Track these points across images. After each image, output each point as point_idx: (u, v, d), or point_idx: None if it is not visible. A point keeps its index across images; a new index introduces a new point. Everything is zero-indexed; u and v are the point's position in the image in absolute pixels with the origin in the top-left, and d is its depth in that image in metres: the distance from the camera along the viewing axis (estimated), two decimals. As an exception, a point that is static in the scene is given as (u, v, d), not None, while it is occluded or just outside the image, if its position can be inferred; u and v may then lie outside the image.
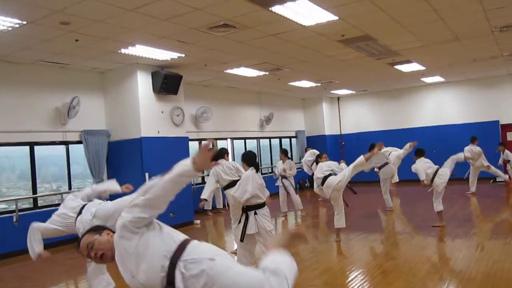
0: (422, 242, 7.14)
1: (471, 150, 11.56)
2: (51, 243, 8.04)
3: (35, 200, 8.75)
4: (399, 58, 10.71)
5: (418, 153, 8.24)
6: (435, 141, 15.32)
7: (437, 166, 7.92)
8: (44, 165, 9.48)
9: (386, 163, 10.45)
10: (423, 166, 7.91)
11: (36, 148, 8.80)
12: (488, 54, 10.98)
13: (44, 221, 4.88)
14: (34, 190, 8.72)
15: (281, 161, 10.82)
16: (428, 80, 14.97)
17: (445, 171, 7.87)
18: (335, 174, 7.19)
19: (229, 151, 13.86)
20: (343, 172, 7.11)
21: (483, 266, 5.54)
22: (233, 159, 13.13)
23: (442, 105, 15.96)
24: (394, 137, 14.48)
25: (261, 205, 5.41)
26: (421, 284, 5.07)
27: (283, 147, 16.54)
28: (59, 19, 6.19)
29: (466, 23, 7.98)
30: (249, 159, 5.64)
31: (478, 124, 14.97)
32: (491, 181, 13.82)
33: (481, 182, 12.74)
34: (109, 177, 9.99)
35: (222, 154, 7.52)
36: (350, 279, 5.55)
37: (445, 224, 7.91)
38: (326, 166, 7.31)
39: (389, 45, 9.26)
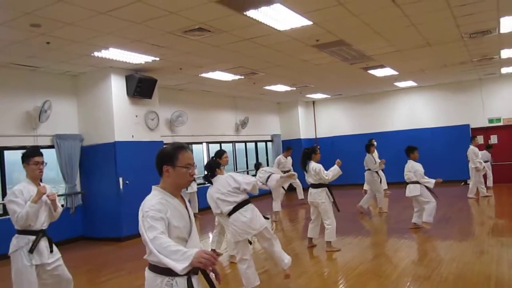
0: (396, 244, 7.25)
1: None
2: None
3: (4, 206, 8.51)
4: (373, 63, 10.87)
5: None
6: (408, 145, 15.54)
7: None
8: (14, 170, 9.24)
9: (368, 169, 10.60)
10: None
11: (6, 152, 8.59)
12: (459, 59, 11.24)
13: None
14: (4, 196, 8.49)
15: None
16: (401, 84, 15.23)
17: None
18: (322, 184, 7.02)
19: (204, 156, 13.85)
20: (328, 212, 6.96)
21: (454, 267, 5.65)
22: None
23: (415, 109, 16.27)
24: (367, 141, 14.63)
25: (229, 214, 5.19)
26: (394, 285, 5.15)
27: (259, 151, 16.63)
28: (29, 21, 6.06)
29: (437, 29, 8.16)
30: (207, 171, 5.43)
31: (449, 128, 15.33)
32: (462, 183, 14.13)
33: (453, 185, 13.04)
34: (82, 182, 9.84)
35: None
36: (325, 282, 5.58)
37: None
38: (315, 172, 6.93)
39: (362, 50, 9.39)
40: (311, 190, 7.13)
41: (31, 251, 4.07)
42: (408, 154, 8.18)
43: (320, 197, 6.99)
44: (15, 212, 4.06)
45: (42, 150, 4.36)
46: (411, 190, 7.97)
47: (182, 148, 2.64)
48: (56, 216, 4.43)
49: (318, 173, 6.88)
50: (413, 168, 7.95)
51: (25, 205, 4.07)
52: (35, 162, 4.22)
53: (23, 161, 4.26)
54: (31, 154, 4.25)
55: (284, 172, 12.56)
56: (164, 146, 2.68)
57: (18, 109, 8.74)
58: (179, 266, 2.25)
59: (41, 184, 4.31)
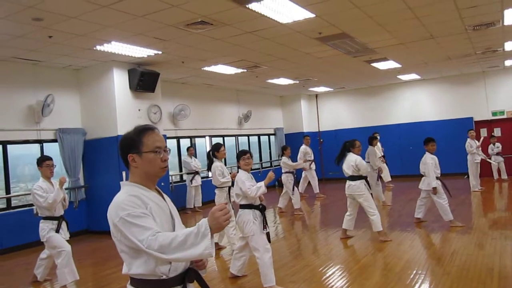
0: (399, 237, 7.24)
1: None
2: (26, 244, 7.90)
3: (8, 200, 8.55)
4: (376, 55, 10.82)
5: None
6: (411, 138, 15.57)
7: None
8: (18, 164, 9.28)
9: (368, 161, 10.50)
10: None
11: (9, 147, 8.61)
12: (462, 52, 11.18)
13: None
14: (8, 190, 8.52)
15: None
16: (404, 77, 15.18)
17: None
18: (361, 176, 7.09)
19: (207, 149, 13.84)
20: (370, 203, 7.01)
21: (458, 260, 5.66)
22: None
23: (418, 102, 16.21)
24: (371, 134, 14.61)
25: None
26: (397, 278, 5.14)
27: (261, 144, 16.63)
28: (32, 15, 6.05)
29: (441, 22, 8.11)
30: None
31: (452, 121, 15.28)
32: (465, 176, 14.09)
33: (456, 177, 13.02)
34: (85, 176, 9.87)
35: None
36: (328, 275, 5.59)
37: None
38: (355, 164, 7.06)
39: (365, 43, 9.34)
40: (349, 182, 7.17)
41: (57, 231, 5.59)
42: (424, 146, 7.98)
43: (359, 189, 7.04)
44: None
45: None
46: (426, 184, 7.77)
47: (147, 129, 2.16)
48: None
49: (357, 165, 6.99)
50: (424, 161, 7.78)
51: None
52: (47, 164, 5.54)
53: (38, 164, 5.60)
54: (44, 159, 5.62)
55: (309, 161, 12.54)
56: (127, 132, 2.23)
57: (21, 103, 8.75)
58: (203, 249, 1.82)
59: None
